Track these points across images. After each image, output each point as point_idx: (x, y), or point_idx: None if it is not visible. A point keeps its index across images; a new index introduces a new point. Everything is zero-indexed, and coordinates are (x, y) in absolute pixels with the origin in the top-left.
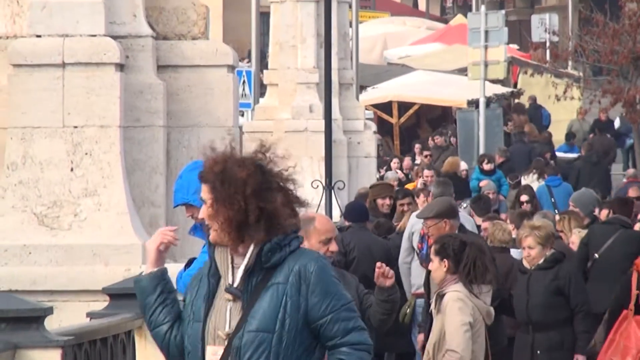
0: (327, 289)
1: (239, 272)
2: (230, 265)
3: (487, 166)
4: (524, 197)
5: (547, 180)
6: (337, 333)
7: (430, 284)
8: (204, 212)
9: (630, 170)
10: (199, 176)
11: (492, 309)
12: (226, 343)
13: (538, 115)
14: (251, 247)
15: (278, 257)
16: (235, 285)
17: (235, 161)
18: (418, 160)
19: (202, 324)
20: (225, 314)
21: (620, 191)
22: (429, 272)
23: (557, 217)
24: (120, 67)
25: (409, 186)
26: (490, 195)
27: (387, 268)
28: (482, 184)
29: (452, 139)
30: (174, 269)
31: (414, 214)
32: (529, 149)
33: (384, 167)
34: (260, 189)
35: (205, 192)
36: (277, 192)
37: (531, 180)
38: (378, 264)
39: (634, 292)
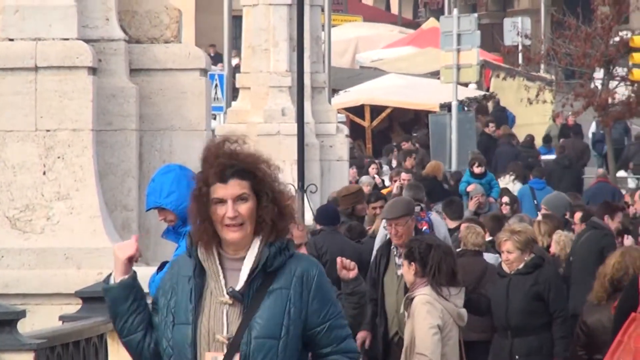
0: (326, 295)
1: (243, 274)
2: (219, 267)
3: (477, 169)
4: (505, 199)
5: (531, 183)
6: (334, 341)
7: None
8: (245, 210)
9: (600, 170)
10: (233, 172)
11: (463, 311)
12: (226, 348)
13: (503, 118)
14: (255, 248)
15: (280, 261)
16: (238, 288)
17: (262, 158)
18: (394, 164)
19: (192, 326)
20: (222, 318)
21: (589, 190)
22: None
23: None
24: (93, 70)
25: (385, 191)
26: (480, 199)
27: (347, 260)
28: (469, 188)
29: (418, 144)
30: (146, 272)
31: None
32: (516, 152)
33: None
34: (279, 188)
35: (244, 188)
36: (283, 195)
37: (506, 182)
38: (338, 258)
39: None
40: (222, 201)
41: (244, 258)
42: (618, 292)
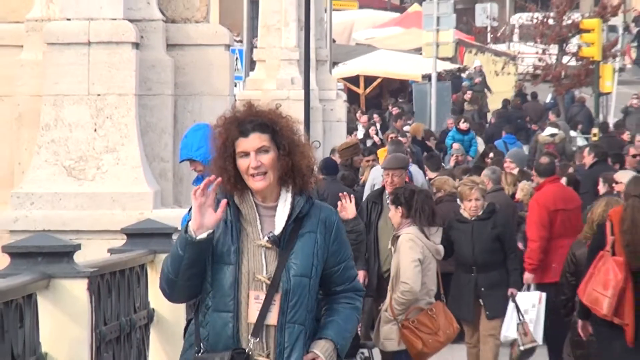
0: (343, 239)
1: (280, 221)
2: (257, 213)
3: (463, 125)
4: (491, 155)
5: (504, 138)
6: (346, 280)
7: None
8: (269, 160)
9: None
10: (253, 125)
11: (441, 247)
12: (266, 287)
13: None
14: (287, 198)
15: (307, 207)
16: (277, 233)
17: (283, 114)
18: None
19: (235, 267)
20: (261, 260)
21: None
22: None
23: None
24: (136, 45)
25: (381, 151)
26: (458, 157)
27: (347, 203)
28: (454, 146)
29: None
30: (178, 214)
31: (374, 168)
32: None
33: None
34: (301, 141)
35: (265, 141)
36: (306, 147)
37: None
38: (340, 194)
39: (609, 237)
40: (246, 154)
41: (274, 207)
42: None
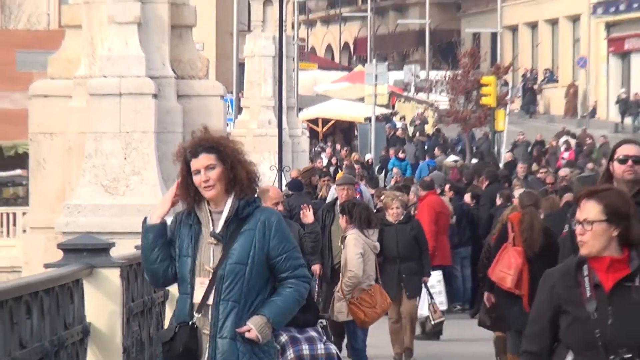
0: (283, 235)
1: (221, 222)
2: (210, 217)
3: (402, 154)
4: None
5: (428, 161)
6: (289, 268)
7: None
8: (215, 175)
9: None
10: (202, 149)
11: (377, 243)
12: (211, 275)
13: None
14: (229, 203)
15: (249, 210)
16: (218, 231)
17: (226, 137)
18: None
19: (191, 259)
20: (209, 254)
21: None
22: None
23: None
24: (155, 96)
25: (339, 175)
26: (398, 178)
27: (308, 212)
28: (394, 170)
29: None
30: None
31: (332, 187)
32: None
33: (317, 160)
34: (242, 158)
35: (211, 160)
36: (246, 163)
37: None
38: (303, 206)
39: (510, 234)
40: (198, 171)
41: (221, 211)
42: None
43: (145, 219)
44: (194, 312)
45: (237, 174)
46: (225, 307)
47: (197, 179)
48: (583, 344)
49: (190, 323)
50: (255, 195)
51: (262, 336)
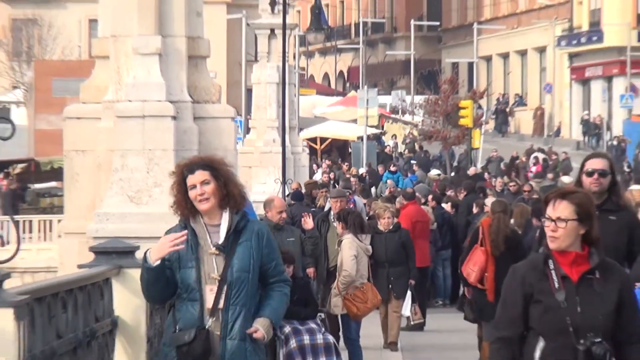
0: (272, 245)
1: (222, 234)
2: (206, 231)
3: (393, 168)
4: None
5: (411, 177)
6: (277, 274)
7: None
8: (210, 189)
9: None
10: (197, 166)
11: (369, 247)
12: (217, 282)
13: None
14: (226, 216)
15: (244, 223)
16: (220, 242)
17: (220, 159)
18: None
19: (195, 269)
20: (212, 263)
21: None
22: None
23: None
24: (174, 118)
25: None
26: (392, 189)
27: (308, 219)
28: (389, 182)
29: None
30: None
31: (329, 197)
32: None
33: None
34: (234, 177)
35: (205, 175)
36: (237, 181)
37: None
38: (303, 214)
39: (481, 236)
40: (194, 186)
41: (218, 225)
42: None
43: (145, 254)
44: (207, 317)
45: (230, 190)
46: (234, 311)
47: (192, 193)
48: (555, 330)
49: (206, 327)
50: (244, 210)
51: (267, 335)
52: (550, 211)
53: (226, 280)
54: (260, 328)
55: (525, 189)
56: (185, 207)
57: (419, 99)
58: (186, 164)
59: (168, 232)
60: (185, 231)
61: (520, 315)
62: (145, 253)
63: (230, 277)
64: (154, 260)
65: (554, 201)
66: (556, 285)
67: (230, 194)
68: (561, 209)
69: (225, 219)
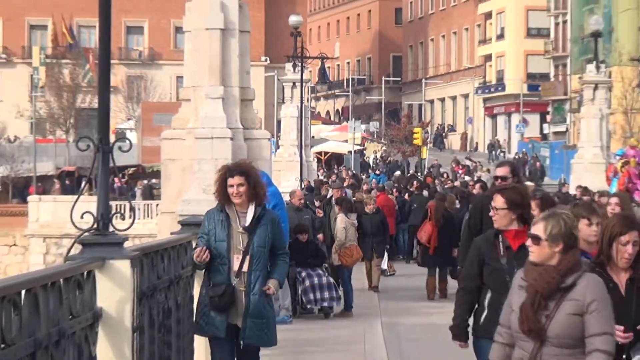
0: (280, 229)
1: (248, 219)
2: (237, 216)
3: (378, 172)
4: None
5: (381, 176)
6: (282, 247)
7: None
8: (243, 189)
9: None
10: (236, 172)
11: (355, 221)
12: (242, 253)
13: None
14: (252, 208)
15: (263, 212)
16: (247, 225)
17: (251, 166)
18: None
19: (226, 242)
20: (239, 239)
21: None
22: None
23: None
24: (231, 139)
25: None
26: (373, 185)
27: (320, 210)
28: (373, 181)
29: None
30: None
31: (330, 190)
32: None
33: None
34: (260, 180)
35: (241, 179)
36: (262, 183)
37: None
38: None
39: (429, 215)
40: (231, 186)
41: (246, 212)
42: None
43: (192, 258)
44: (233, 277)
45: (257, 191)
46: (255, 275)
47: (230, 190)
48: (498, 284)
49: (233, 284)
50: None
51: (276, 291)
52: (493, 202)
53: (249, 252)
54: (272, 286)
55: (448, 185)
56: (223, 197)
57: (386, 127)
58: (229, 168)
59: (208, 212)
60: (207, 249)
61: (477, 274)
62: (192, 255)
63: (252, 250)
64: (199, 261)
65: (494, 195)
66: (501, 252)
67: (257, 193)
68: (496, 201)
69: (251, 209)
